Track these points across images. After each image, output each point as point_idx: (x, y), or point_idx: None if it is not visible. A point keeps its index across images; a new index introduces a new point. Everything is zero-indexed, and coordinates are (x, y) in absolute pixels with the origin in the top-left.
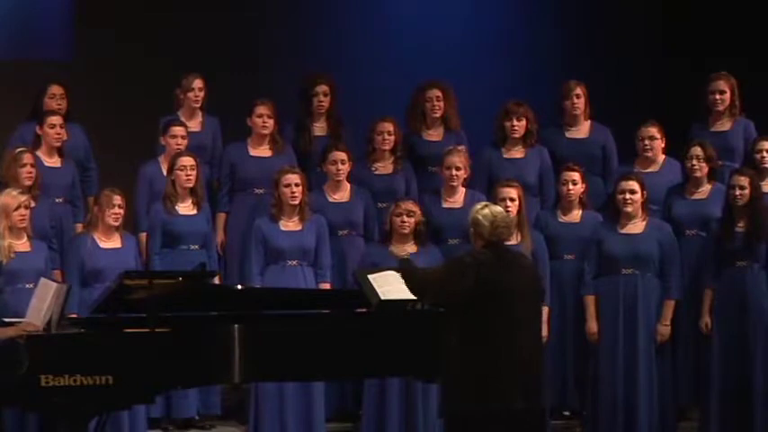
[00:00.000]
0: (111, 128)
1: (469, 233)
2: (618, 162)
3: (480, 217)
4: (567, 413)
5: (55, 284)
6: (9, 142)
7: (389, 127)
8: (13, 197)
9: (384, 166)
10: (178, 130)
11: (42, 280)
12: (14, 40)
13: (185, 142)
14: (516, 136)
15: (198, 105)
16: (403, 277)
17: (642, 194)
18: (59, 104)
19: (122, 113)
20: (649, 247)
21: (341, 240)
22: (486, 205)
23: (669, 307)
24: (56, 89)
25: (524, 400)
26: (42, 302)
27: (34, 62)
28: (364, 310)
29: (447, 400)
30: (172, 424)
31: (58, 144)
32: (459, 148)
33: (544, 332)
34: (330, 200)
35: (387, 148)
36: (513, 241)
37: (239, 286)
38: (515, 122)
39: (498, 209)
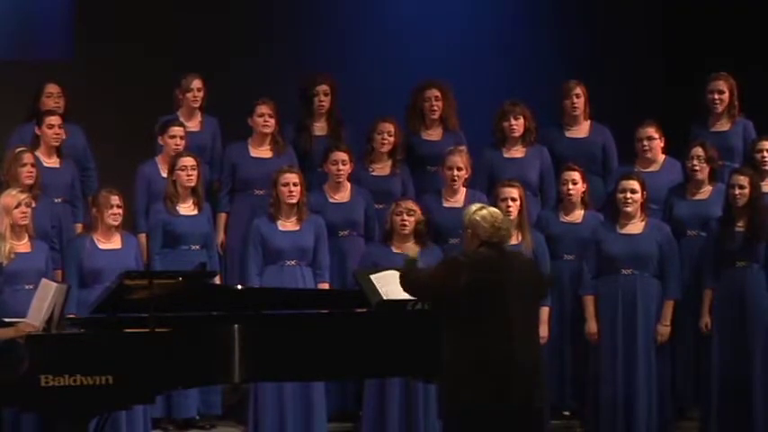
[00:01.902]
0: (111, 128)
1: (465, 234)
2: (618, 162)
3: (479, 218)
4: (566, 413)
5: (55, 284)
6: (9, 143)
7: (390, 127)
8: (12, 196)
9: (381, 168)
10: (177, 130)
11: (43, 280)
12: (14, 40)
13: (183, 142)
14: (516, 135)
15: (197, 105)
16: (400, 277)
17: (642, 194)
18: (57, 103)
19: (122, 113)
20: (649, 247)
21: (341, 240)
22: (482, 206)
23: (669, 307)
24: (52, 88)
25: (518, 398)
26: (43, 302)
27: (34, 62)
28: (364, 309)
29: (442, 399)
30: (172, 424)
31: (57, 144)
32: (461, 148)
33: (544, 332)
34: (331, 200)
35: (385, 149)
36: (513, 241)
37: (239, 286)
38: (513, 121)
39: (496, 210)
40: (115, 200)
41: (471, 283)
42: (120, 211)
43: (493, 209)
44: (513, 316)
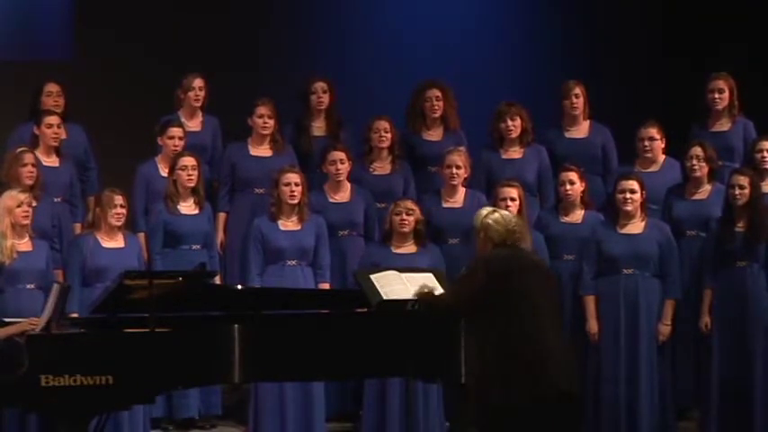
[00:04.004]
0: (112, 128)
1: (477, 238)
2: (618, 162)
3: (491, 221)
4: None
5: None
6: (8, 142)
7: (385, 125)
8: (12, 197)
9: (382, 167)
10: (175, 130)
11: (54, 284)
12: (14, 40)
13: (182, 143)
14: (513, 136)
15: (198, 105)
16: (427, 307)
17: (642, 194)
18: (56, 102)
19: (122, 113)
20: (649, 246)
21: (341, 240)
22: (494, 210)
23: (669, 306)
24: (52, 87)
25: (556, 389)
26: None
27: (34, 62)
28: (365, 309)
29: (476, 400)
30: (172, 424)
31: (56, 144)
32: (460, 148)
33: None
34: (331, 200)
35: (384, 146)
36: None
37: (239, 286)
38: (510, 122)
39: (508, 213)
40: (119, 200)
41: (491, 281)
42: (124, 211)
43: (504, 212)
44: (537, 308)
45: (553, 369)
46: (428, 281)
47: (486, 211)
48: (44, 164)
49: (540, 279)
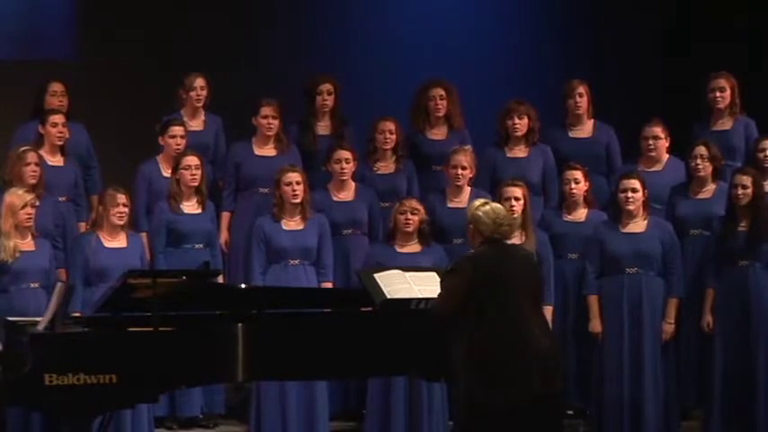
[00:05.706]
0: (114, 127)
1: (468, 230)
2: (621, 161)
3: (481, 213)
4: (570, 412)
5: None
6: (12, 142)
7: (391, 126)
8: (18, 196)
9: (386, 166)
10: (177, 129)
11: (58, 283)
12: (17, 39)
13: (184, 142)
14: (519, 134)
15: (200, 104)
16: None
17: (643, 193)
18: (61, 102)
19: (124, 113)
20: (652, 245)
21: (345, 239)
22: (486, 202)
23: (673, 305)
24: (57, 86)
25: (538, 387)
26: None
27: (37, 62)
28: (369, 308)
29: (461, 400)
30: (176, 422)
31: (61, 143)
32: (466, 148)
33: None
34: (335, 199)
35: (388, 147)
36: (516, 240)
37: (243, 285)
38: (517, 120)
39: (499, 206)
40: (122, 198)
41: (475, 281)
42: (127, 209)
43: (496, 205)
44: (522, 308)
45: (534, 370)
46: (432, 280)
47: (478, 202)
48: (49, 163)
49: (524, 276)
